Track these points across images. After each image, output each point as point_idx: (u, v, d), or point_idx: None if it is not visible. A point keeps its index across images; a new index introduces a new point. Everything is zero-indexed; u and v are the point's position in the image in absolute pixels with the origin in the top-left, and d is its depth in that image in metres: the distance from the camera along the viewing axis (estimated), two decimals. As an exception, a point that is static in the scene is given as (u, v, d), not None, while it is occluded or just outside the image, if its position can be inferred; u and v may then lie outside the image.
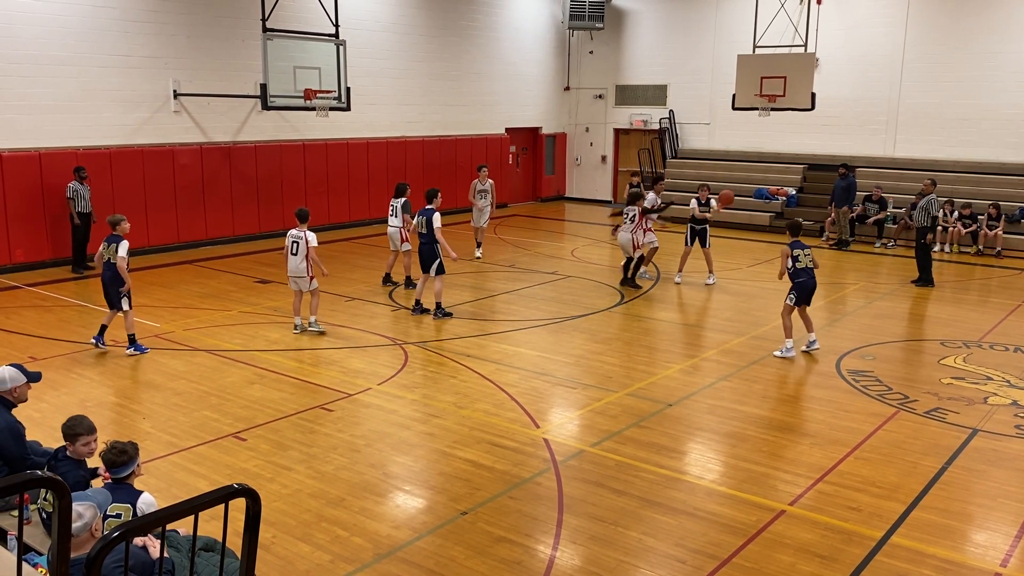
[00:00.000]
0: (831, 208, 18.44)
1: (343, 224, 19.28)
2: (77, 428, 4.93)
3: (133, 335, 9.74)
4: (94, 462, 5.13)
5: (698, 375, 9.35)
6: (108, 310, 9.87)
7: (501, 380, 9.01)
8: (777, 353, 9.96)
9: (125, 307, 9.60)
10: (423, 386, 8.87)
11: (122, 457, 4.56)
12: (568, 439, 7.50)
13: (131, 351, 9.65)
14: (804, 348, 10.13)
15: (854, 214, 18.60)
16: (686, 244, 14.04)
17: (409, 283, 13.26)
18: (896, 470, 6.87)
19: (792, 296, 9.97)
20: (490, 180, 16.06)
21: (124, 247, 9.49)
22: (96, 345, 9.79)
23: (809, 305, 10.12)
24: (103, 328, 9.87)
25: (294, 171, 18.16)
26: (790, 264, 9.90)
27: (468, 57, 22.22)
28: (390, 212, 13.39)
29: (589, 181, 25.87)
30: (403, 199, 13.30)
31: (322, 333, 10.67)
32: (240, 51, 16.78)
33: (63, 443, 5.00)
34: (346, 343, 10.42)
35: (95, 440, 5.02)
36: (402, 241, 13.24)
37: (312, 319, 10.76)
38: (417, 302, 11.75)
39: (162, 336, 10.52)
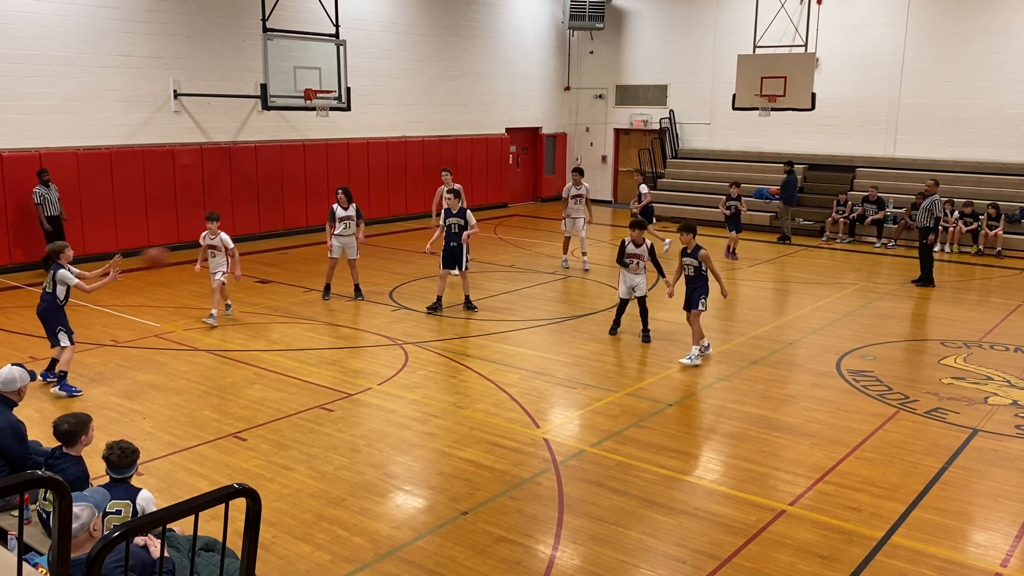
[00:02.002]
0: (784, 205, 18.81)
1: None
2: (78, 425, 4.94)
3: (64, 372, 8.47)
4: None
5: (698, 375, 9.35)
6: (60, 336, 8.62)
7: (501, 380, 9.01)
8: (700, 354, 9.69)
9: (64, 342, 8.43)
10: (423, 386, 8.87)
11: (128, 459, 4.60)
12: (568, 439, 7.49)
13: (56, 389, 8.42)
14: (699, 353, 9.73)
15: (850, 214, 18.67)
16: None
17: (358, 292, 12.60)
18: (896, 470, 6.87)
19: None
20: (457, 185, 13.82)
21: (66, 274, 8.38)
22: (44, 379, 8.61)
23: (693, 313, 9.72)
24: (52, 362, 8.74)
25: (294, 171, 18.15)
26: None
27: (468, 57, 22.21)
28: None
29: (589, 181, 25.65)
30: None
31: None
32: (240, 51, 16.78)
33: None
34: (346, 343, 10.42)
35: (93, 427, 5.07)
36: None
37: (227, 303, 11.64)
38: (466, 298, 12.13)
39: (162, 336, 10.52)
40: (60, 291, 8.40)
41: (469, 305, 12.03)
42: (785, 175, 18.73)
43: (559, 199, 26.09)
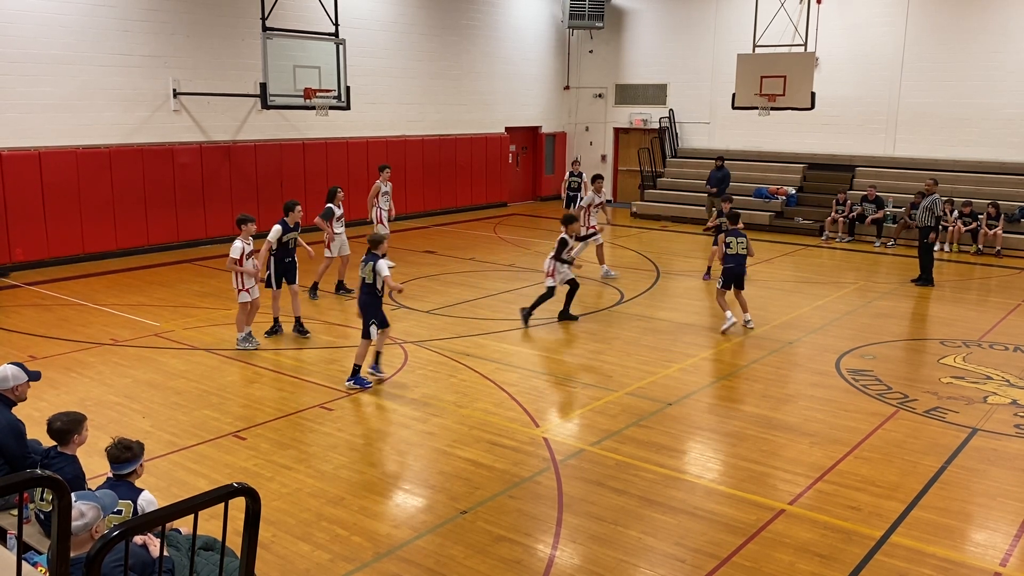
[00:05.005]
0: (711, 199, 18.90)
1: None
2: (71, 423, 4.93)
3: (358, 366, 8.68)
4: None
5: (698, 375, 9.35)
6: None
7: (501, 379, 9.01)
8: (724, 327, 10.85)
9: (373, 335, 8.64)
10: (423, 385, 8.87)
11: (126, 454, 4.60)
12: (568, 438, 7.50)
13: (350, 383, 8.67)
14: (742, 325, 11.06)
15: (849, 213, 18.66)
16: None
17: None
18: (896, 469, 6.87)
19: (720, 280, 11.06)
20: (390, 183, 14.51)
21: (384, 266, 8.56)
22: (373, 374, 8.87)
23: (742, 289, 11.08)
24: (377, 355, 8.97)
25: (294, 170, 18.15)
26: (724, 249, 11.00)
27: (468, 56, 22.22)
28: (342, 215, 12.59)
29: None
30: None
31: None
32: (240, 50, 16.78)
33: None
34: (346, 343, 10.41)
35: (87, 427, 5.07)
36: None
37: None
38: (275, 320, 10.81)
39: (162, 335, 10.52)
40: (379, 281, 8.60)
41: (296, 329, 10.62)
42: (717, 169, 19.02)
43: (559, 198, 26.12)
